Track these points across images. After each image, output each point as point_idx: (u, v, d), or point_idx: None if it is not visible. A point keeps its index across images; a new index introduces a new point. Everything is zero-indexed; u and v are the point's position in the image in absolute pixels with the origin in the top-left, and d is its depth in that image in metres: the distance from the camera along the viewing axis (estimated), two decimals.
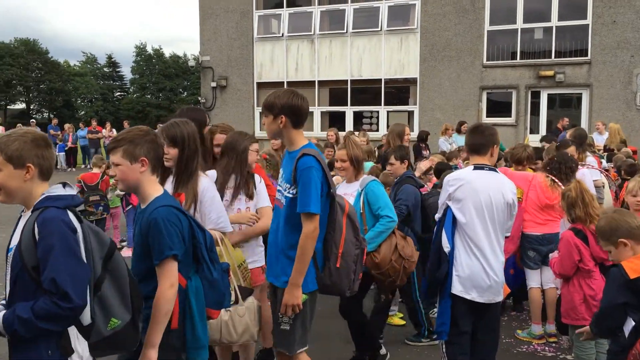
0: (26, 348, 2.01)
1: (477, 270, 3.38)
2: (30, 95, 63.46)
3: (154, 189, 2.54)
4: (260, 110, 3.33)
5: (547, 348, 4.97)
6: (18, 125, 23.22)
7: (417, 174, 6.30)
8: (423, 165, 6.29)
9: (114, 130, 21.44)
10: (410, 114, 18.36)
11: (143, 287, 2.33)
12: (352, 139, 4.34)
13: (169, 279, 2.35)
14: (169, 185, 3.21)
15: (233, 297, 3.09)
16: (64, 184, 2.20)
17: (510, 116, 16.92)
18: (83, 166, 20.67)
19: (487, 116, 17.04)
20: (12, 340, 2.03)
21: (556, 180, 4.96)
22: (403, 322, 5.47)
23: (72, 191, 2.22)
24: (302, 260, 2.87)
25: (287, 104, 2.95)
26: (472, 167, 3.55)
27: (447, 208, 3.51)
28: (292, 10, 19.42)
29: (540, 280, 5.16)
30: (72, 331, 2.08)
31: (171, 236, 2.35)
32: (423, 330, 4.96)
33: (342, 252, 3.02)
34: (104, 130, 21.29)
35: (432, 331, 4.80)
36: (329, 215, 2.99)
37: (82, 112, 60.97)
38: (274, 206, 3.17)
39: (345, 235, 3.04)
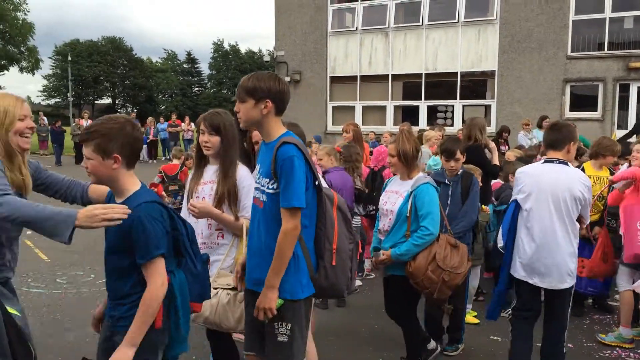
0: None
1: (538, 257, 3.64)
2: (116, 90, 67.03)
3: (131, 183, 2.36)
4: (236, 97, 2.72)
5: (631, 354, 4.66)
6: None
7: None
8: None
9: (192, 124, 22.21)
10: (487, 108, 17.79)
11: (121, 284, 2.30)
12: (405, 132, 3.91)
13: (160, 277, 2.25)
14: (210, 173, 3.24)
15: (233, 282, 3.02)
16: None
17: (595, 110, 16.03)
18: (163, 158, 21.57)
19: (570, 110, 16.23)
20: None
21: None
22: (477, 321, 5.30)
23: None
24: (280, 260, 2.54)
25: (273, 88, 2.62)
26: (543, 160, 3.77)
27: (511, 203, 3.80)
28: (367, 3, 19.30)
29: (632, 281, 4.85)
30: None
31: (157, 234, 2.24)
32: (461, 336, 4.66)
33: (337, 248, 2.73)
34: (183, 124, 22.17)
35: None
36: (317, 208, 2.68)
37: (163, 107, 63.63)
38: (253, 206, 2.80)
39: (338, 229, 2.75)
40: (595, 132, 14.47)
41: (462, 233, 4.30)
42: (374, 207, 5.74)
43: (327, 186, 3.12)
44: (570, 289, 3.71)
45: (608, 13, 15.80)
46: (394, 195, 3.89)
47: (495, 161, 5.77)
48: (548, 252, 3.63)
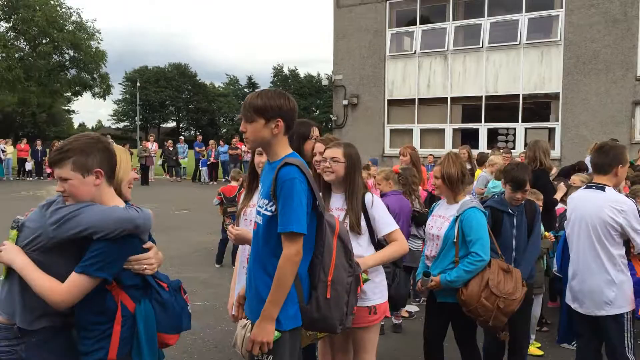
0: None
1: (574, 283, 3.73)
2: (180, 114, 69.52)
3: (115, 203, 2.25)
4: (242, 115, 2.49)
5: None
6: (169, 141, 25.45)
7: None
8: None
9: None
10: (551, 130, 17.25)
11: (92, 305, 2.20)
12: (451, 155, 3.81)
13: (76, 293, 2.12)
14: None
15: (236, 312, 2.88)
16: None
17: None
18: (223, 180, 22.11)
19: None
20: None
21: None
22: (541, 352, 5.07)
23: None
24: (280, 289, 2.36)
25: (284, 106, 2.48)
26: (585, 186, 3.84)
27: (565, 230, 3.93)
28: (426, 27, 19.27)
29: None
30: None
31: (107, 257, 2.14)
32: None
33: (332, 280, 2.52)
34: (243, 147, 22.66)
35: None
36: (316, 235, 2.51)
37: (224, 130, 65.42)
38: (254, 229, 2.63)
39: (336, 259, 2.56)
40: None
41: (530, 265, 4.12)
42: None
43: (331, 213, 3.01)
44: (616, 317, 3.57)
45: None
46: (440, 220, 3.81)
47: (560, 193, 5.65)
48: (582, 278, 3.66)
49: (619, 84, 15.72)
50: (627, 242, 3.60)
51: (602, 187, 3.63)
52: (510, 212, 4.12)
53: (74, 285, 2.12)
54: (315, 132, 3.76)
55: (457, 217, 3.64)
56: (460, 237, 3.61)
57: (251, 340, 2.41)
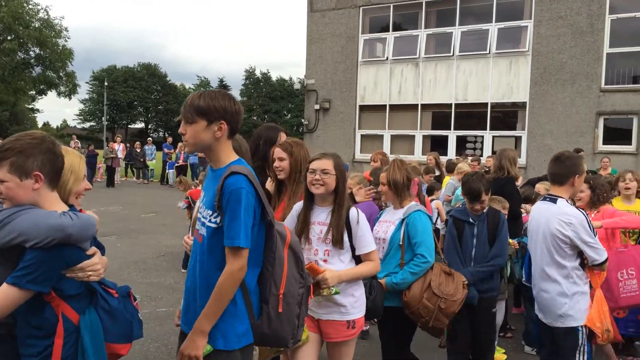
0: None
1: (535, 293, 3.77)
2: (149, 115, 68.52)
3: (55, 208, 2.09)
4: (181, 117, 2.40)
5: None
6: (136, 143, 25.02)
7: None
8: None
9: None
10: (518, 139, 17.56)
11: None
12: (397, 162, 3.84)
13: (6, 305, 1.95)
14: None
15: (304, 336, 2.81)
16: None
17: (630, 144, 15.66)
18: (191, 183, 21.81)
19: (603, 143, 15.90)
20: None
21: None
22: (504, 357, 5.11)
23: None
24: (216, 303, 2.22)
25: (229, 108, 2.34)
26: (541, 198, 3.81)
27: None
28: (398, 34, 19.42)
29: None
30: None
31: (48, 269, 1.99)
32: None
33: (285, 293, 2.39)
34: None
35: None
36: (265, 246, 2.38)
37: None
38: (194, 239, 2.49)
39: (288, 270, 2.41)
40: (629, 166, 14.12)
41: (487, 274, 4.09)
42: None
43: (281, 222, 2.84)
44: (569, 330, 3.53)
45: None
46: (385, 224, 3.83)
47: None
48: (539, 288, 3.69)
49: (584, 95, 16.10)
50: (582, 254, 3.52)
51: (554, 199, 3.60)
52: (471, 221, 4.16)
53: (3, 297, 1.93)
54: (283, 137, 3.72)
55: (403, 220, 3.69)
56: (406, 241, 3.66)
57: (180, 353, 2.28)
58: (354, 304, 3.14)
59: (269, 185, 3.57)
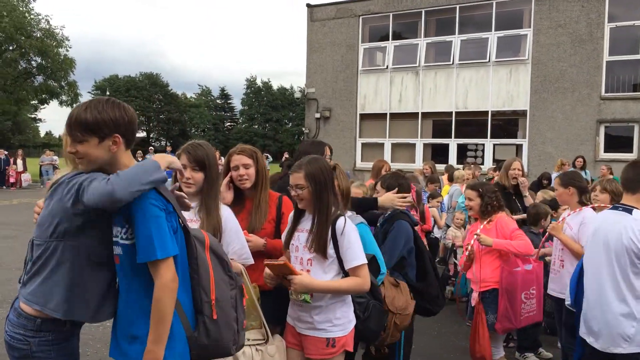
0: None
1: (591, 315, 3.30)
2: (151, 124, 68.69)
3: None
4: (67, 134, 2.21)
5: None
6: (138, 152, 25.07)
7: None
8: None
9: (222, 158, 22.49)
10: (519, 147, 17.56)
11: None
12: (338, 171, 3.27)
13: None
14: (189, 214, 2.73)
15: (261, 336, 2.79)
16: None
17: (631, 152, 15.65)
18: None
19: (605, 151, 15.90)
20: None
21: None
22: None
23: None
24: (162, 323, 2.05)
25: (120, 119, 2.15)
26: (611, 206, 3.48)
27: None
28: (398, 42, 19.49)
29: None
30: None
31: None
32: None
33: (217, 298, 2.26)
34: None
35: None
36: (187, 255, 2.25)
37: None
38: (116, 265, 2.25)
39: (214, 275, 2.29)
40: None
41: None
42: None
43: (197, 227, 2.68)
44: (634, 357, 3.17)
45: None
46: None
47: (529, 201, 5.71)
48: (599, 310, 3.24)
49: (584, 103, 16.12)
50: None
51: (629, 210, 3.22)
52: (378, 223, 3.95)
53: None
54: (328, 152, 3.74)
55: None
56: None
57: None
58: (334, 321, 2.86)
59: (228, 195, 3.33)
